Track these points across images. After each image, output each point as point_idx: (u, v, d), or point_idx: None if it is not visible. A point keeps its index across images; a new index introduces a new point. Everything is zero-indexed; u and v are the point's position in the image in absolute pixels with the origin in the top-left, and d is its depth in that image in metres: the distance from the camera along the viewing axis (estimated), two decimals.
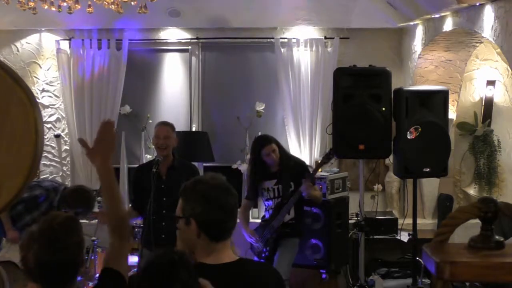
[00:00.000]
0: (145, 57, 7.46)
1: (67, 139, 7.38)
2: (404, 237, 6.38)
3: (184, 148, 6.47)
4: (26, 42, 7.38)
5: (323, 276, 6.10)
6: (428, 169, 5.38)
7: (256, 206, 7.15)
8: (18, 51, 7.38)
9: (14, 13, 6.24)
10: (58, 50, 7.24)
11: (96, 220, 6.09)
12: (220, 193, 2.33)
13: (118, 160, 7.24)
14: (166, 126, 5.28)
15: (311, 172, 5.48)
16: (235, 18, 7.09)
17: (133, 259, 5.48)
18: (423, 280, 5.68)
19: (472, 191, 6.95)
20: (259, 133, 7.07)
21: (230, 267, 2.33)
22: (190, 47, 7.40)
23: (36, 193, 5.60)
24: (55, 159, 7.43)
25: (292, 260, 5.46)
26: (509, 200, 5.77)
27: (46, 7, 5.26)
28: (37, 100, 5.51)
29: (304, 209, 5.66)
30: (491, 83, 6.84)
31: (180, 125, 7.27)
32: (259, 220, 5.95)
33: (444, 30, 5.97)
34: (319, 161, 5.78)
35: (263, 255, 5.51)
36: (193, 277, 2.04)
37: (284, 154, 5.53)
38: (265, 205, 5.62)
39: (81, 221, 2.78)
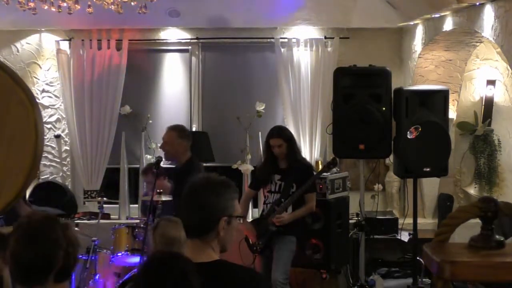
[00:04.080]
0: (145, 57, 7.46)
1: (67, 139, 7.37)
2: (405, 237, 6.38)
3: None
4: (26, 43, 7.37)
5: (324, 276, 6.09)
6: (428, 169, 5.37)
7: (255, 205, 7.14)
8: (18, 51, 7.37)
9: (14, 13, 6.24)
10: (58, 51, 7.23)
11: (97, 221, 6.10)
12: (195, 190, 2.36)
13: (118, 160, 7.24)
14: (170, 131, 5.26)
15: (310, 183, 5.38)
16: (235, 18, 7.09)
17: (135, 259, 5.47)
18: (424, 279, 5.68)
19: (472, 190, 6.95)
20: (259, 133, 7.09)
21: (203, 266, 2.27)
22: (190, 47, 7.40)
23: None
24: (55, 159, 7.42)
25: (290, 258, 5.42)
26: (510, 199, 5.77)
27: (46, 7, 5.25)
28: (37, 100, 5.50)
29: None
30: (491, 82, 6.84)
31: None
32: None
33: (444, 30, 5.98)
34: (319, 169, 5.73)
35: (254, 248, 5.49)
36: (187, 279, 2.03)
37: (293, 154, 5.45)
38: (264, 197, 5.60)
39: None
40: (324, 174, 6.15)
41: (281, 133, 5.48)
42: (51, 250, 2.29)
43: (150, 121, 7.25)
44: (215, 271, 2.33)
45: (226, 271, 2.38)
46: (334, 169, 6.05)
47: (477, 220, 1.86)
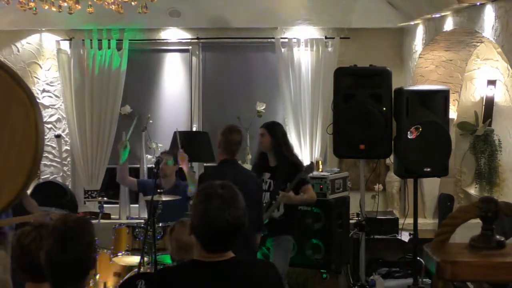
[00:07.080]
0: (146, 57, 7.46)
1: (67, 139, 7.37)
2: (405, 237, 6.38)
3: (184, 148, 6.46)
4: (27, 42, 7.37)
5: (324, 276, 6.09)
6: (428, 169, 5.37)
7: None
8: (18, 51, 7.37)
9: (15, 13, 6.24)
10: (59, 50, 7.23)
11: (97, 220, 6.09)
12: (214, 208, 2.27)
13: (119, 160, 7.23)
14: None
15: (293, 185, 5.26)
16: (236, 18, 7.09)
17: (135, 259, 5.46)
18: (424, 280, 5.68)
19: (473, 190, 6.95)
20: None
21: (223, 264, 2.31)
22: (190, 47, 7.40)
23: None
24: (55, 159, 7.42)
25: (287, 257, 5.36)
26: (510, 199, 5.77)
27: (46, 7, 5.25)
28: (38, 100, 5.50)
29: (296, 206, 5.50)
30: (491, 82, 6.84)
31: (181, 125, 7.27)
32: None
33: (444, 30, 5.98)
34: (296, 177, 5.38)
35: None
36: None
37: (279, 152, 5.39)
38: None
39: None
40: (325, 174, 6.17)
41: (267, 124, 5.50)
42: (87, 253, 2.32)
43: (151, 121, 7.25)
44: (233, 268, 2.35)
45: (244, 267, 2.42)
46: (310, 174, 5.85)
47: (478, 220, 1.86)
